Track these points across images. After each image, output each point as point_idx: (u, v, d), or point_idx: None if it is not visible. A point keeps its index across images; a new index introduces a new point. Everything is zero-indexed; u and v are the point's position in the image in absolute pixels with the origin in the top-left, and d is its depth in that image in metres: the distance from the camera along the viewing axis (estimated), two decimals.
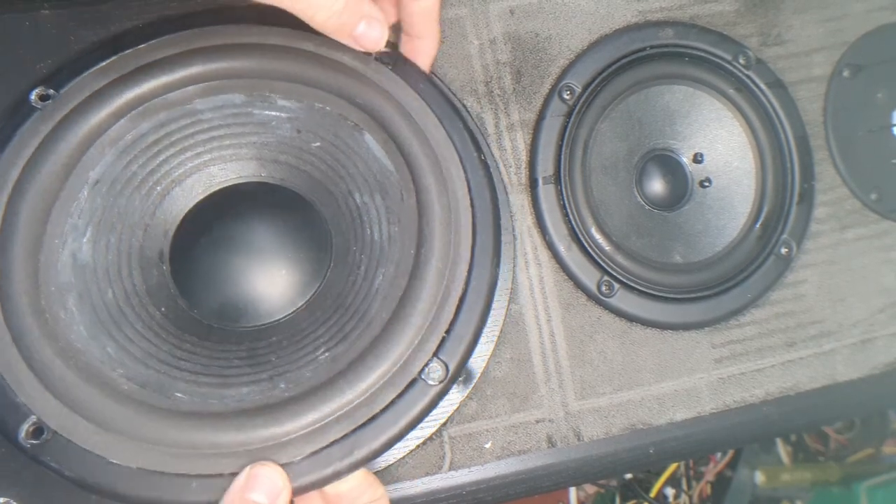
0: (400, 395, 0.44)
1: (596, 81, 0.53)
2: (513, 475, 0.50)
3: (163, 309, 0.47)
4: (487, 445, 0.49)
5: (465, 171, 0.47)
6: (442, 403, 0.49)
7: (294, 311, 0.49)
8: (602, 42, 0.54)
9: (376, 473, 0.48)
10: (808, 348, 0.54)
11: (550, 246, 0.52)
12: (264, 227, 0.49)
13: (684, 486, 0.88)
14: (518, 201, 0.52)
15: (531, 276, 0.51)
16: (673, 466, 0.87)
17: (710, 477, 0.88)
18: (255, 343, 0.47)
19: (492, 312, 0.50)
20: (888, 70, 0.58)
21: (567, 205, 0.52)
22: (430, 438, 0.49)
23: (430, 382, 0.44)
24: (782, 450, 0.89)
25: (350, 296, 0.47)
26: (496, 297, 0.50)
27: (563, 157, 0.52)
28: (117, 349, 0.44)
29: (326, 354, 0.45)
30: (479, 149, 0.49)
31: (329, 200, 0.50)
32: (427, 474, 0.48)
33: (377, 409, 0.43)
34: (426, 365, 0.44)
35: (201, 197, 0.50)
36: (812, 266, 0.55)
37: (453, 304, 0.45)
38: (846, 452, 0.89)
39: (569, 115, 0.53)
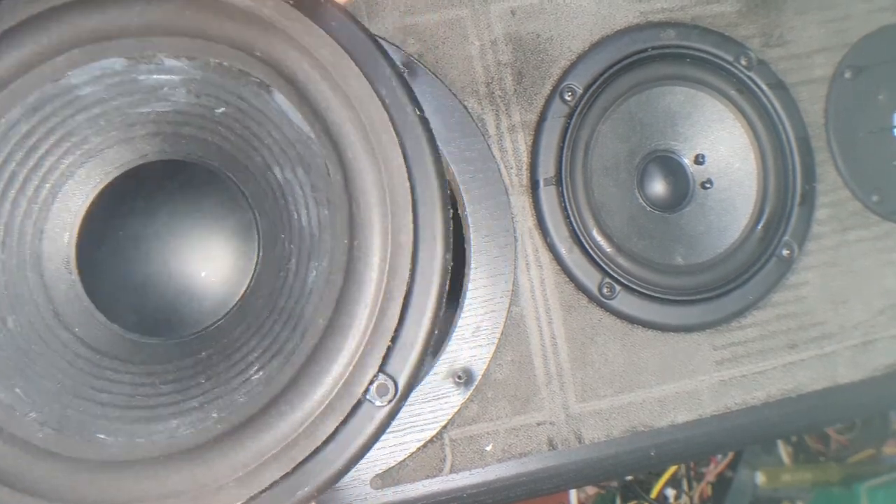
0: (344, 422, 0.37)
1: (597, 82, 0.53)
2: (513, 477, 0.50)
3: (76, 329, 0.41)
4: (488, 448, 0.49)
5: (399, 136, 0.39)
6: (442, 406, 0.49)
7: (224, 316, 0.42)
8: (603, 43, 0.54)
9: (379, 474, 0.48)
10: (809, 350, 0.54)
11: (551, 248, 0.52)
12: (181, 214, 0.42)
13: (685, 487, 0.88)
14: (519, 203, 0.52)
15: (532, 278, 0.51)
16: (674, 467, 0.87)
17: (710, 478, 0.88)
18: (182, 361, 0.41)
19: (491, 315, 0.50)
20: (890, 71, 0.58)
21: (568, 206, 0.52)
22: (431, 441, 0.49)
23: (377, 403, 0.38)
24: (783, 450, 0.89)
25: (283, 296, 0.41)
26: (501, 301, 0.50)
27: (564, 158, 0.52)
28: (27, 387, 0.37)
29: (260, 374, 0.39)
30: (413, 100, 0.40)
31: (247, 178, 0.42)
32: (427, 477, 0.48)
33: (319, 441, 0.37)
34: (371, 383, 0.37)
35: (101, 187, 0.42)
36: (813, 268, 0.55)
37: (396, 306, 0.38)
38: (847, 453, 0.89)
39: (570, 116, 0.53)
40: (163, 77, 0.40)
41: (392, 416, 0.38)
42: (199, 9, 0.38)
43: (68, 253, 0.42)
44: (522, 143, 0.53)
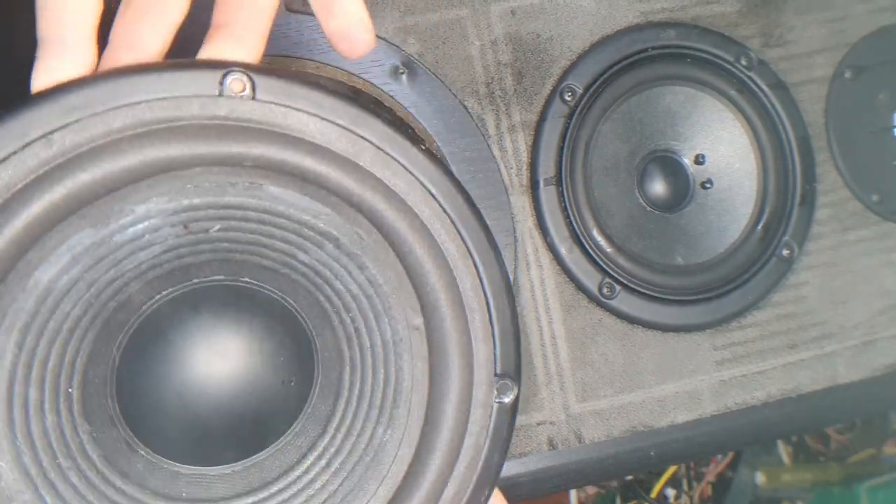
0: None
1: (597, 82, 0.53)
2: (514, 477, 0.50)
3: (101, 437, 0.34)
4: None
5: (467, 247, 0.33)
6: None
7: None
8: (603, 43, 0.54)
9: None
10: (809, 350, 0.54)
11: (552, 248, 0.52)
12: (240, 339, 0.36)
13: (685, 487, 0.88)
14: (519, 203, 0.52)
15: (532, 278, 0.51)
16: (674, 467, 0.87)
17: (710, 477, 0.88)
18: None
19: None
20: (890, 71, 0.58)
21: (568, 206, 0.52)
22: None
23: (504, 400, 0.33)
24: (783, 450, 0.89)
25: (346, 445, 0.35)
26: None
27: (564, 158, 0.52)
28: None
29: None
30: (477, 215, 0.33)
31: (285, 285, 0.36)
32: None
33: None
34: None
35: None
36: (813, 268, 0.55)
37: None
38: (847, 453, 0.89)
39: (570, 116, 0.53)
40: (140, 226, 0.33)
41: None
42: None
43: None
44: (522, 142, 0.53)
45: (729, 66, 0.55)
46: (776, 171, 0.55)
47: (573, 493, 0.88)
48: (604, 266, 0.52)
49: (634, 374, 0.52)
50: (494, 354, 0.33)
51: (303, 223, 0.34)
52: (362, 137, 0.32)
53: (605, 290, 0.51)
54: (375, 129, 0.32)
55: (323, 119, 0.32)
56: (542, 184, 0.52)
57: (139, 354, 0.35)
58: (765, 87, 0.55)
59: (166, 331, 0.36)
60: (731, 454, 0.87)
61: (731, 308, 0.53)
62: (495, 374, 0.33)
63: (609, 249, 0.52)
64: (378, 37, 0.52)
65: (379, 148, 0.32)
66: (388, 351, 0.34)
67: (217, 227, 0.34)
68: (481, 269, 0.33)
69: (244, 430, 0.36)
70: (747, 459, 0.87)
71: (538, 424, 0.50)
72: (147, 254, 0.34)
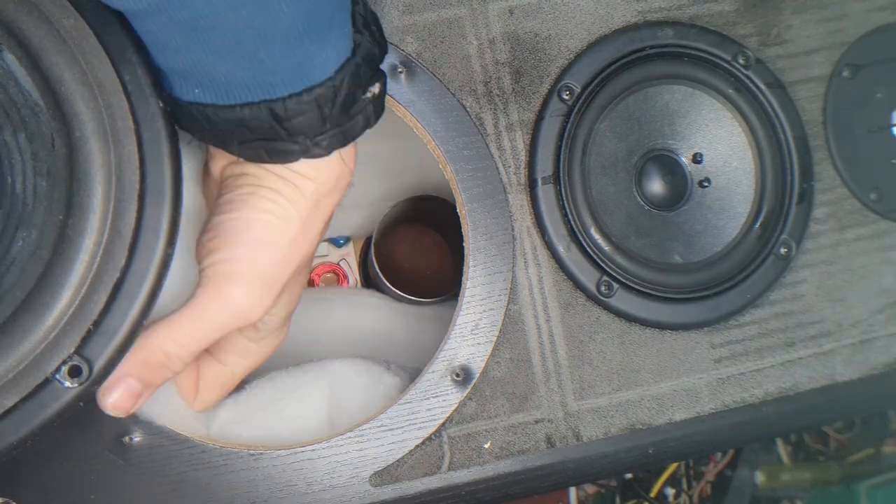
0: (25, 398, 0.36)
1: (595, 81, 0.53)
2: (512, 475, 0.50)
3: None
4: (486, 445, 0.49)
5: (137, 125, 0.37)
6: (441, 403, 0.49)
7: None
8: (601, 42, 0.54)
9: (378, 472, 0.48)
10: (807, 348, 0.54)
11: (549, 246, 0.52)
12: None
13: (684, 486, 0.88)
14: (517, 201, 0.52)
15: (530, 276, 0.51)
16: (673, 466, 0.87)
17: (710, 477, 0.88)
18: None
19: (489, 312, 0.50)
20: (888, 70, 0.58)
21: (566, 205, 0.52)
22: (429, 438, 0.49)
23: (67, 384, 0.36)
24: (782, 450, 0.89)
25: None
26: (499, 299, 0.50)
27: (562, 157, 0.52)
28: None
29: None
30: (157, 92, 0.38)
31: None
32: (426, 474, 0.48)
33: None
34: (63, 363, 0.36)
35: None
36: (811, 266, 0.55)
37: (104, 292, 0.37)
38: (846, 452, 0.89)
39: (568, 115, 0.53)
40: None
41: (81, 398, 0.37)
42: None
43: None
44: (520, 141, 0.53)
45: (726, 65, 0.55)
46: (774, 169, 0.55)
47: (573, 493, 0.88)
48: (602, 264, 0.52)
49: (632, 372, 0.52)
50: None
51: (14, 106, 0.36)
52: None
53: (603, 289, 0.51)
54: None
55: None
56: (540, 182, 0.52)
57: None
58: (762, 86, 0.55)
59: None
60: (730, 453, 0.87)
61: (729, 306, 0.53)
62: None
63: (607, 248, 0.52)
64: None
65: None
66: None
67: None
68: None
69: None
70: (746, 459, 0.87)
71: (536, 422, 0.50)
72: None
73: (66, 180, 0.37)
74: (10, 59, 0.36)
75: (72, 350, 0.36)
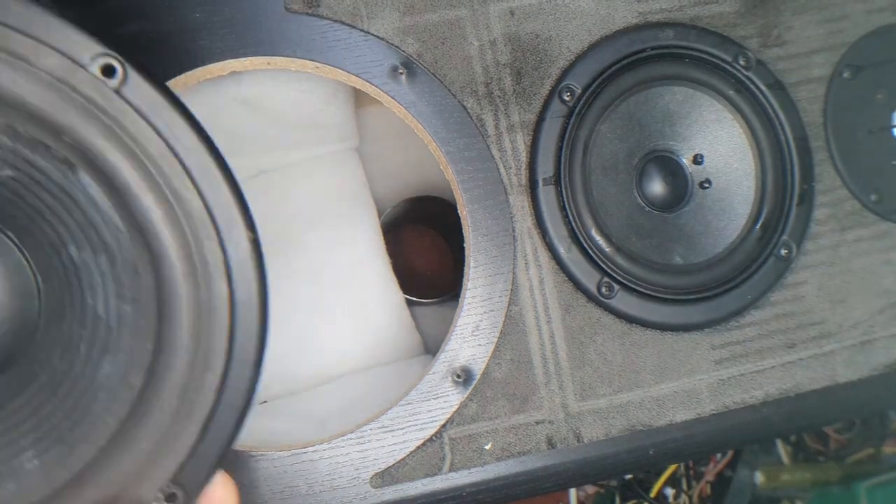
0: None
1: (596, 83, 0.53)
2: (513, 476, 0.50)
3: None
4: (487, 447, 0.49)
5: (225, 254, 0.35)
6: (442, 405, 0.49)
7: None
8: (602, 43, 0.54)
9: (379, 473, 0.48)
10: (807, 349, 0.54)
11: (550, 247, 0.52)
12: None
13: (684, 487, 0.88)
14: (518, 202, 0.52)
15: (531, 277, 0.51)
16: (673, 466, 0.87)
17: (710, 477, 0.88)
18: None
19: (490, 314, 0.50)
20: (888, 71, 0.58)
21: (567, 206, 0.52)
22: (430, 440, 0.49)
23: None
24: (782, 450, 0.89)
25: (66, 382, 0.36)
26: (500, 300, 0.50)
27: (563, 158, 0.52)
28: None
29: (35, 462, 0.35)
30: (249, 220, 0.36)
31: (32, 245, 0.37)
32: (427, 475, 0.49)
33: None
34: (160, 489, 0.35)
35: None
36: (812, 267, 0.55)
37: (196, 426, 0.36)
38: (846, 452, 0.89)
39: (569, 116, 0.53)
40: None
41: None
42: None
43: None
44: (521, 142, 0.53)
45: (727, 67, 0.55)
46: (774, 170, 0.55)
47: (573, 493, 0.88)
48: (602, 265, 0.52)
49: (633, 374, 0.52)
50: None
51: (93, 228, 0.36)
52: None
53: (603, 290, 0.51)
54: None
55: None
56: (540, 183, 0.52)
57: None
58: (763, 87, 0.55)
59: None
60: (730, 454, 0.87)
61: (730, 307, 0.53)
62: None
63: (608, 249, 0.52)
64: (377, 37, 0.52)
65: None
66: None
67: (9, 172, 0.35)
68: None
69: None
70: (746, 459, 0.87)
71: (537, 423, 0.50)
72: None
73: (154, 312, 0.35)
74: (87, 180, 0.35)
75: (166, 480, 0.35)
